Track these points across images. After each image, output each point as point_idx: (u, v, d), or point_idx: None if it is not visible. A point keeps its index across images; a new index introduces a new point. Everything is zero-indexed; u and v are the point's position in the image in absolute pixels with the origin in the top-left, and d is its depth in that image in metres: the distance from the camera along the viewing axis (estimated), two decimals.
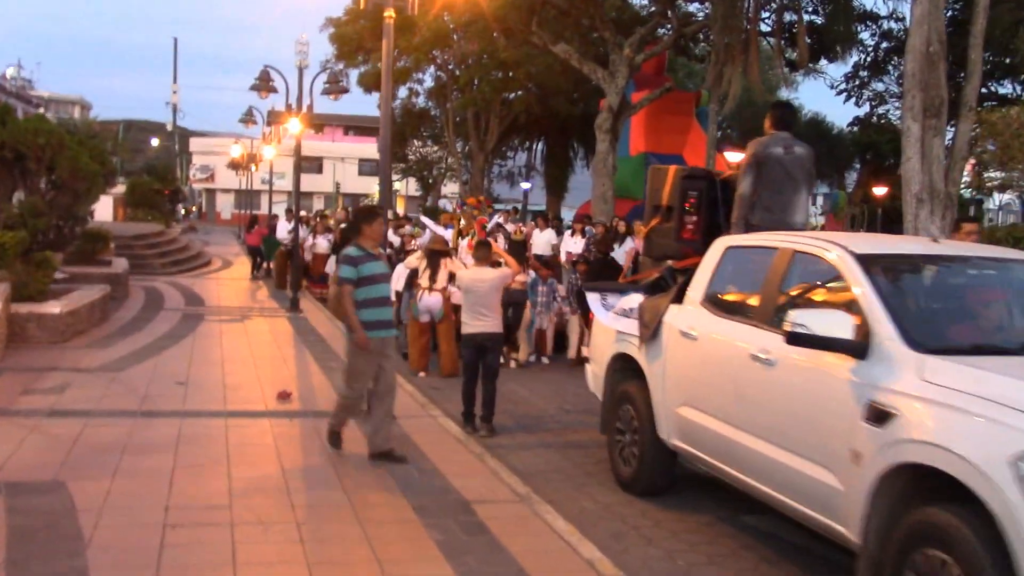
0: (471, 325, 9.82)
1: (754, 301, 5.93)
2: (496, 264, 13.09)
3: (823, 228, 27.23)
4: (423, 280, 12.93)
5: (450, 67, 37.51)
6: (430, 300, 12.81)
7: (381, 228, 7.99)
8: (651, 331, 6.71)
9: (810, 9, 22.69)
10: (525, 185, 46.23)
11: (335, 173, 64.07)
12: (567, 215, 36.94)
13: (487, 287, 9.75)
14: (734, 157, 27.55)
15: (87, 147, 18.19)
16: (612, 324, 7.44)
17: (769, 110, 7.61)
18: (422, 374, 12.80)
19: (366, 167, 66.51)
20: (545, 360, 14.53)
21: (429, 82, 39.80)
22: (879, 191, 34.48)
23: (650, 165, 28.92)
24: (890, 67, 24.55)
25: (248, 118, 25.58)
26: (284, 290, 21.56)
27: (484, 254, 10.13)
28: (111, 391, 10.21)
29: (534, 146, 44.81)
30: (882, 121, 26.59)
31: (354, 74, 39.44)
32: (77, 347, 13.03)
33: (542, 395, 11.96)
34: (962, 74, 19.06)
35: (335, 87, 18.22)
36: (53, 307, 13.22)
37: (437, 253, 13.30)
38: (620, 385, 7.38)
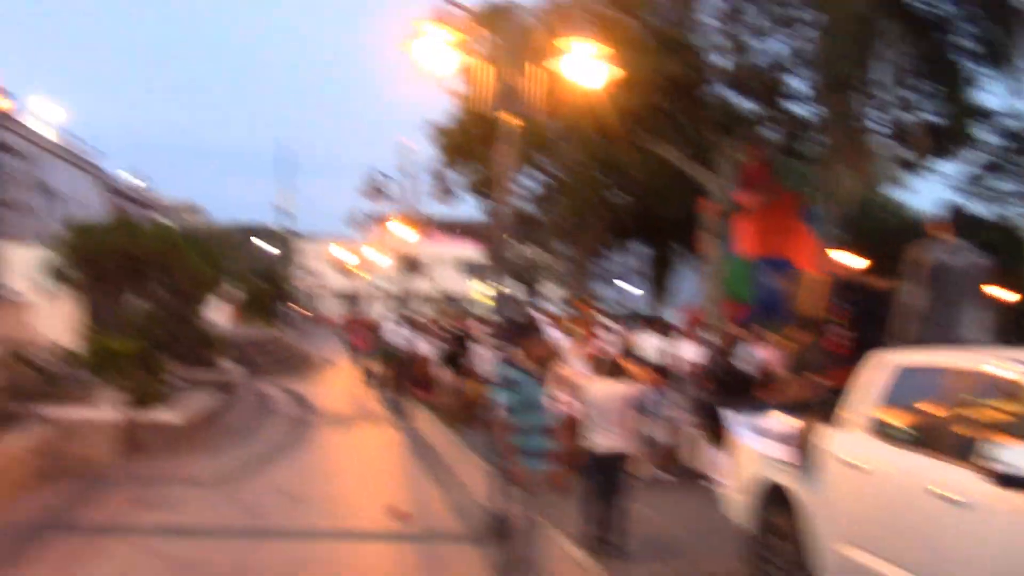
0: (598, 443, 9.24)
1: (932, 428, 5.25)
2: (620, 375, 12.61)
3: None
4: None
5: (555, 172, 37.66)
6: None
7: (542, 346, 7.19)
8: (807, 458, 6.05)
9: (926, 108, 21.94)
10: (628, 288, 45.69)
11: (439, 275, 64.67)
12: (669, 318, 36.03)
13: (614, 402, 9.19)
14: (849, 259, 26.59)
15: (202, 252, 18.44)
16: (757, 447, 6.78)
17: (941, 213, 7.01)
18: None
19: (469, 269, 67.03)
20: (669, 477, 13.75)
21: (532, 186, 39.96)
22: (1009, 296, 32.85)
23: (761, 268, 28.11)
24: (1012, 166, 23.53)
25: (355, 221, 25.83)
26: (392, 395, 21.27)
27: (611, 367, 9.59)
28: (222, 506, 9.89)
29: (636, 248, 44.37)
30: (1005, 220, 25.38)
31: (456, 178, 39.93)
32: (190, 455, 12.82)
33: (668, 515, 11.19)
34: None
35: (443, 192, 18.16)
36: (168, 415, 13.11)
37: (545, 359, 12.80)
38: (768, 515, 6.68)
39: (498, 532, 8.79)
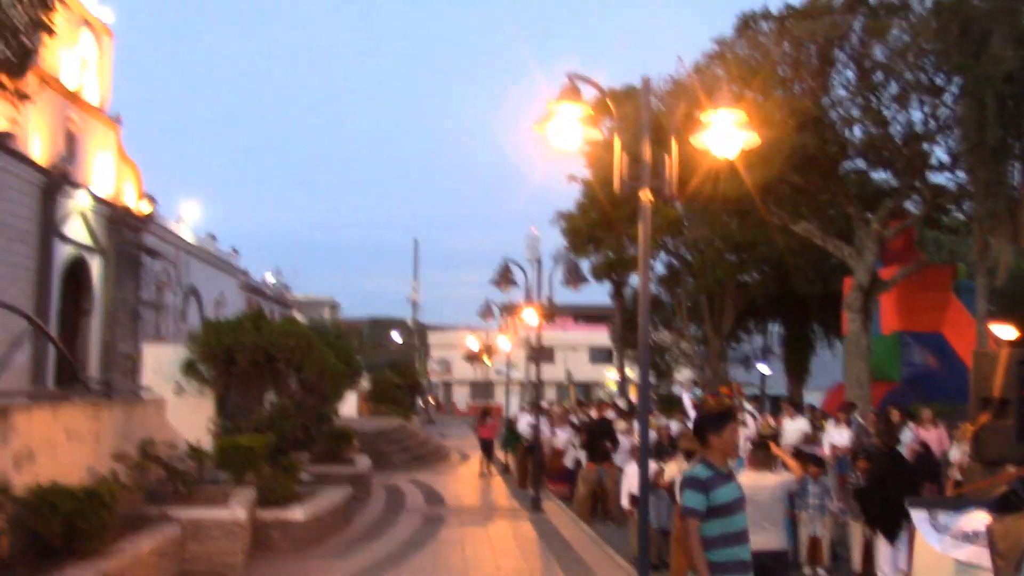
0: (753, 542, 8.34)
1: None
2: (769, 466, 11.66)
3: None
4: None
5: (681, 253, 36.85)
6: None
7: (735, 437, 5.93)
8: (1014, 566, 5.09)
9: None
10: (764, 369, 43.99)
11: (567, 362, 64.04)
12: (808, 400, 34.34)
13: (768, 495, 8.30)
14: (1004, 332, 24.78)
15: (334, 347, 18.30)
16: (949, 551, 5.82)
17: None
18: None
19: (597, 355, 66.17)
20: (822, 573, 12.57)
21: (660, 268, 39.18)
22: None
23: (910, 344, 26.48)
24: None
25: (486, 312, 25.55)
26: (525, 488, 20.53)
27: (764, 457, 8.72)
28: None
29: (771, 328, 42.88)
30: None
31: (585, 265, 39.56)
32: (320, 555, 12.37)
33: None
34: None
35: (574, 276, 17.65)
36: (297, 513, 12.72)
37: (690, 452, 11.96)
38: None
39: None
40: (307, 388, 16.25)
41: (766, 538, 8.18)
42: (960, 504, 5.97)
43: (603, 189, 34.87)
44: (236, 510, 11.40)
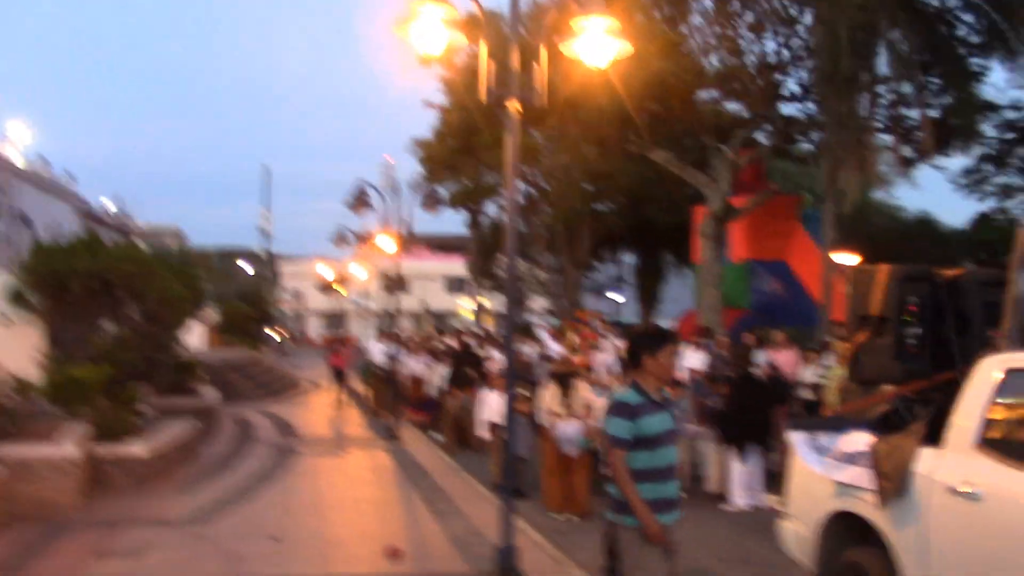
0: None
1: None
2: None
3: None
4: (557, 407, 11.35)
5: (538, 182, 36.60)
6: (568, 429, 11.18)
7: (672, 361, 5.28)
8: (897, 486, 4.93)
9: (931, 103, 20.99)
10: (617, 297, 44.63)
11: (422, 291, 63.47)
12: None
13: None
14: (849, 260, 25.61)
15: (178, 275, 17.22)
16: (831, 473, 5.65)
17: None
18: (563, 517, 10.98)
19: (452, 285, 65.85)
20: (682, 495, 12.60)
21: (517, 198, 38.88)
22: None
23: (757, 271, 27.11)
24: (1014, 159, 22.62)
25: (339, 238, 24.68)
26: (380, 417, 20.09)
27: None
28: (196, 551, 8.68)
29: (624, 258, 43.37)
30: (1005, 215, 24.45)
31: (442, 194, 38.96)
32: (163, 492, 11.62)
33: (687, 540, 10.08)
34: None
35: (432, 199, 17.05)
36: (137, 449, 11.89)
37: (566, 376, 11.75)
38: (845, 555, 5.56)
39: (505, 570, 7.70)
40: (148, 317, 15.18)
41: None
42: (840, 425, 5.80)
43: (461, 114, 34.22)
44: (66, 447, 10.52)
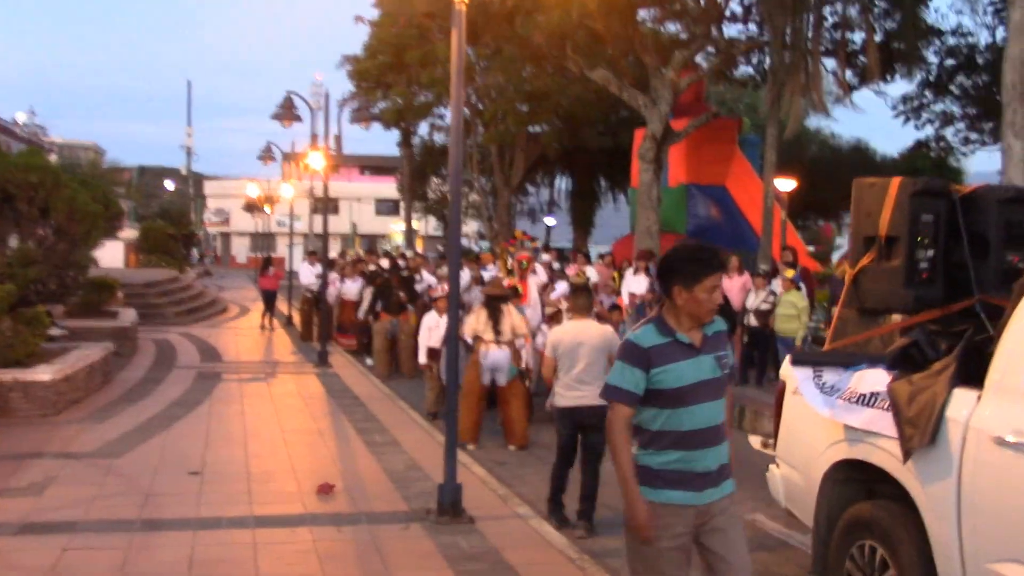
0: (567, 396, 7.50)
1: None
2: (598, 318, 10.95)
3: None
4: (484, 332, 10.60)
5: (472, 101, 35.42)
6: (497, 356, 10.47)
7: (715, 296, 3.84)
8: (924, 434, 4.22)
9: (874, 26, 20.40)
10: (549, 221, 43.88)
11: (351, 213, 61.96)
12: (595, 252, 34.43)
13: (590, 348, 7.41)
14: (786, 185, 25.21)
15: (90, 188, 15.96)
16: (841, 417, 4.90)
17: None
18: (471, 446, 10.41)
19: (383, 207, 64.40)
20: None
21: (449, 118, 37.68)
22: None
23: (695, 196, 26.60)
24: (954, 86, 22.23)
25: (266, 155, 23.42)
26: (310, 342, 19.18)
27: (585, 303, 7.78)
28: (106, 487, 7.83)
29: (559, 181, 42.55)
30: (941, 143, 24.19)
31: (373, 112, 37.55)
32: (71, 421, 10.66)
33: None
34: None
35: (364, 113, 15.98)
36: (43, 373, 10.88)
37: (497, 299, 10.99)
38: (852, 509, 4.91)
39: (449, 509, 7.04)
40: (57, 232, 14.00)
41: (585, 393, 7.35)
42: (850, 361, 5.06)
43: (393, 29, 32.76)
44: None
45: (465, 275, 16.36)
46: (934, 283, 5.14)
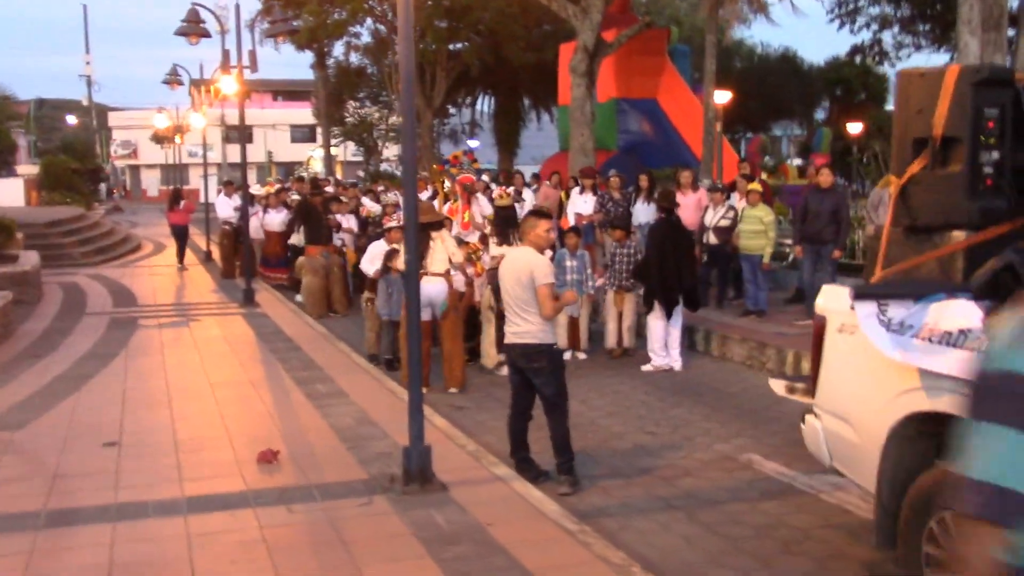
0: (507, 333, 6.57)
1: None
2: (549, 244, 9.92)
3: (811, 167, 24.15)
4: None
5: (389, 18, 33.47)
6: (429, 288, 9.31)
7: None
8: None
9: None
10: (472, 143, 42.35)
11: (266, 141, 59.32)
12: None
13: (515, 279, 6.41)
14: (722, 97, 24.30)
15: None
16: (917, 360, 3.91)
17: None
18: (425, 389, 9.34)
19: (299, 134, 61.80)
20: (581, 356, 11.12)
21: (367, 37, 35.68)
22: (853, 128, 31.57)
23: (625, 110, 25.44)
24: None
25: (173, 79, 21.47)
26: (233, 279, 17.71)
27: (526, 229, 6.72)
28: (3, 470, 6.54)
29: (481, 101, 40.94)
30: (875, 49, 23.41)
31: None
32: None
33: (604, 409, 8.60)
34: None
35: (280, 28, 14.37)
36: None
37: (429, 226, 9.82)
38: (932, 473, 3.94)
39: (417, 475, 5.98)
40: None
41: (526, 327, 6.37)
42: (921, 291, 4.05)
43: None
44: None
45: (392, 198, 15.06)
46: (1001, 191, 4.14)
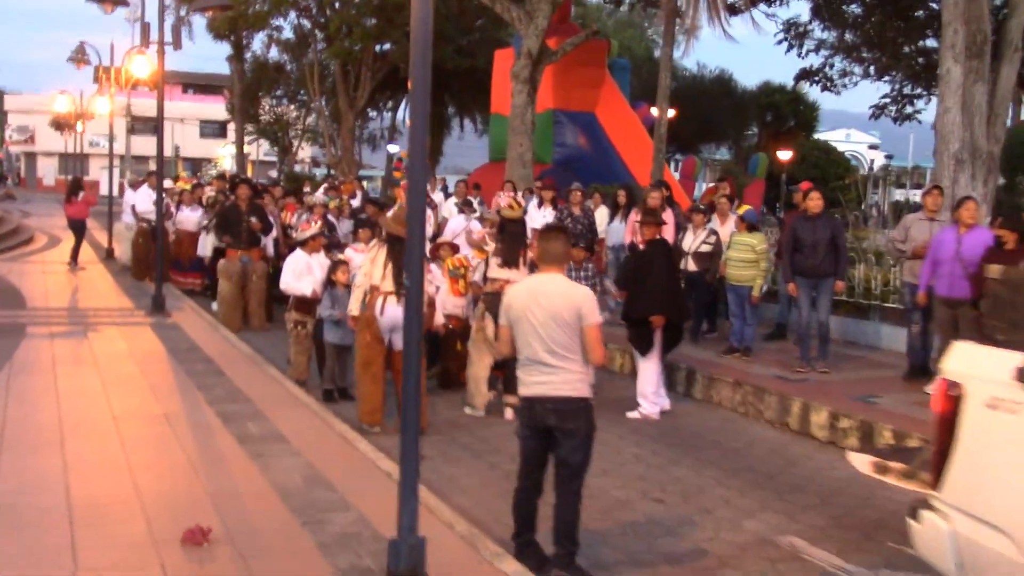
0: (527, 382, 5.00)
1: None
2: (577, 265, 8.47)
3: (743, 191, 23.22)
4: (381, 282, 7.86)
5: (313, 13, 31.49)
6: (397, 312, 7.72)
7: None
8: None
9: None
10: (392, 148, 40.42)
11: (174, 136, 56.13)
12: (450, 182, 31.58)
13: (558, 309, 4.93)
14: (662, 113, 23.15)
15: None
16: None
17: None
18: (376, 429, 7.79)
19: (208, 129, 58.74)
20: None
21: (288, 32, 33.58)
22: (784, 155, 30.96)
23: (562, 122, 24.15)
24: (843, 10, 20.45)
25: (79, 57, 19.19)
26: (143, 281, 15.57)
27: (560, 249, 5.21)
28: None
29: (403, 106, 39.02)
30: (820, 75, 22.59)
31: (200, 25, 33.19)
32: None
33: (593, 466, 7.04)
34: (1004, 8, 15.27)
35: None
36: None
37: (401, 240, 8.23)
38: None
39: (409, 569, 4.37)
40: None
41: (552, 378, 4.93)
42: None
43: None
44: None
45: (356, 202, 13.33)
46: None
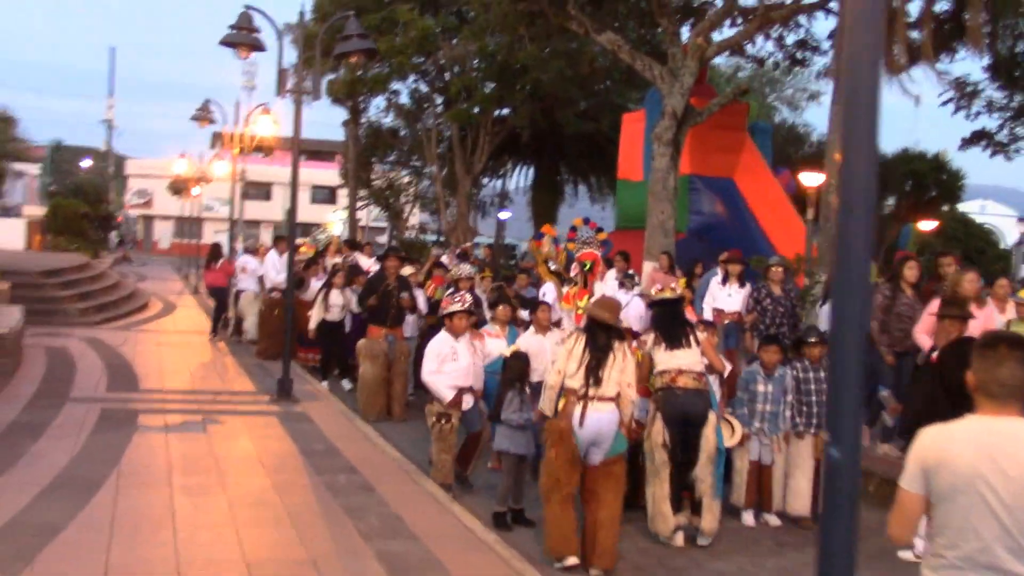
0: None
1: None
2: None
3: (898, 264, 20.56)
4: (577, 381, 6.05)
5: (432, 76, 30.31)
6: (600, 420, 6.05)
7: None
8: None
9: None
10: (504, 214, 38.82)
11: (284, 200, 55.97)
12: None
13: None
14: (807, 179, 20.99)
15: None
16: None
17: None
18: (571, 561, 5.83)
19: (320, 195, 58.39)
20: (774, 520, 7.49)
21: (405, 97, 32.46)
22: (924, 226, 28.19)
23: (699, 189, 22.07)
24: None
25: (203, 115, 18.04)
26: (267, 359, 13.70)
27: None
28: None
29: (519, 171, 37.45)
30: (992, 139, 20.07)
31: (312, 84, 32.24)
32: None
33: None
34: None
35: (357, 44, 10.92)
36: None
37: (607, 328, 6.36)
38: None
39: None
40: None
41: None
42: None
43: None
44: None
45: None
46: None
